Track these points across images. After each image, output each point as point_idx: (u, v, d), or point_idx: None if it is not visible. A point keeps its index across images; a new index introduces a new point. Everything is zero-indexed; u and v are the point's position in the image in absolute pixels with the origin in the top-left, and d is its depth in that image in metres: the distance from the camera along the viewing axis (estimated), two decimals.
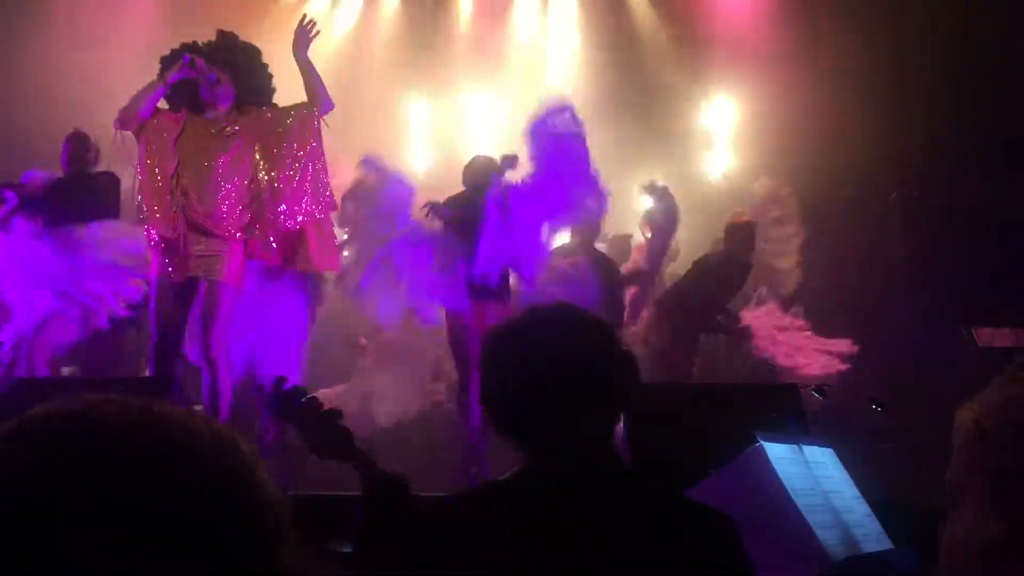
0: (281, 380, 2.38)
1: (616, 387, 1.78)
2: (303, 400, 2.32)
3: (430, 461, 5.16)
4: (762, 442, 2.89)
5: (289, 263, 4.93)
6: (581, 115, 5.51)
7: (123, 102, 4.82)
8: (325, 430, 2.28)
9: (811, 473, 2.95)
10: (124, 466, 0.79)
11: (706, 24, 9.66)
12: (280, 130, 4.92)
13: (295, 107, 4.99)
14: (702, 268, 6.80)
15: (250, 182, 4.83)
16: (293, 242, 4.89)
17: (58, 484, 0.77)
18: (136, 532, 0.76)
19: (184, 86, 4.87)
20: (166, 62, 4.99)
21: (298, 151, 4.90)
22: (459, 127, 9.43)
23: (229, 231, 4.72)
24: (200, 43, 4.99)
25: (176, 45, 5.00)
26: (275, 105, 5.08)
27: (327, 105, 4.96)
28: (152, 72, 4.95)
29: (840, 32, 8.57)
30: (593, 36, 9.96)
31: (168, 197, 4.72)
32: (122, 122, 4.81)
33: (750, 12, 9.48)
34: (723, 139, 9.60)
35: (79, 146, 5.79)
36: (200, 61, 4.81)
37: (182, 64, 4.79)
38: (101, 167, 5.84)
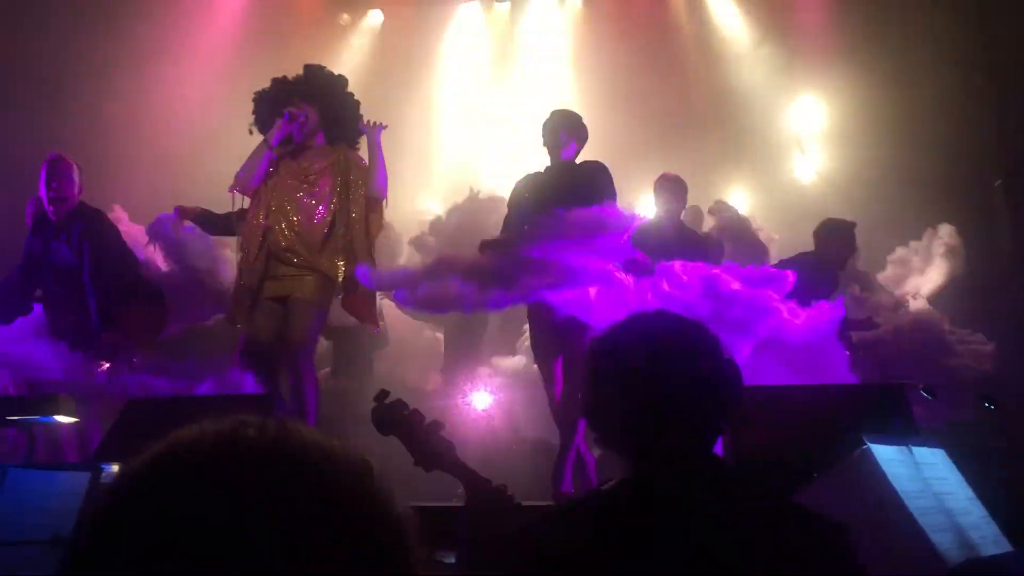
0: (384, 394, 2.43)
1: (721, 394, 1.75)
2: (405, 413, 2.36)
3: (535, 474, 5.15)
4: (869, 444, 2.82)
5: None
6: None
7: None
8: (427, 442, 2.31)
9: (922, 475, 2.87)
10: (268, 486, 0.81)
11: (791, 23, 9.49)
12: (352, 176, 5.03)
13: (364, 175, 5.05)
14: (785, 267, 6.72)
15: (332, 219, 4.96)
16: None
17: (209, 506, 0.80)
18: (281, 549, 0.79)
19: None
20: (261, 101, 5.14)
21: (352, 207, 5.02)
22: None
23: (312, 259, 4.86)
24: (289, 77, 5.12)
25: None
26: (356, 152, 5.18)
27: (382, 192, 5.04)
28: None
29: (933, 21, 8.33)
30: (671, 40, 9.89)
31: (259, 234, 4.90)
32: (241, 189, 5.01)
33: (836, 7, 9.27)
34: (813, 139, 9.41)
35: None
36: (298, 113, 4.93)
37: (282, 124, 4.93)
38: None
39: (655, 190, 6.23)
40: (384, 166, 5.05)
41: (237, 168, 5.02)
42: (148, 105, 8.36)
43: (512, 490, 2.42)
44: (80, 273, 5.09)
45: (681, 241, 5.95)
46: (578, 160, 5.21)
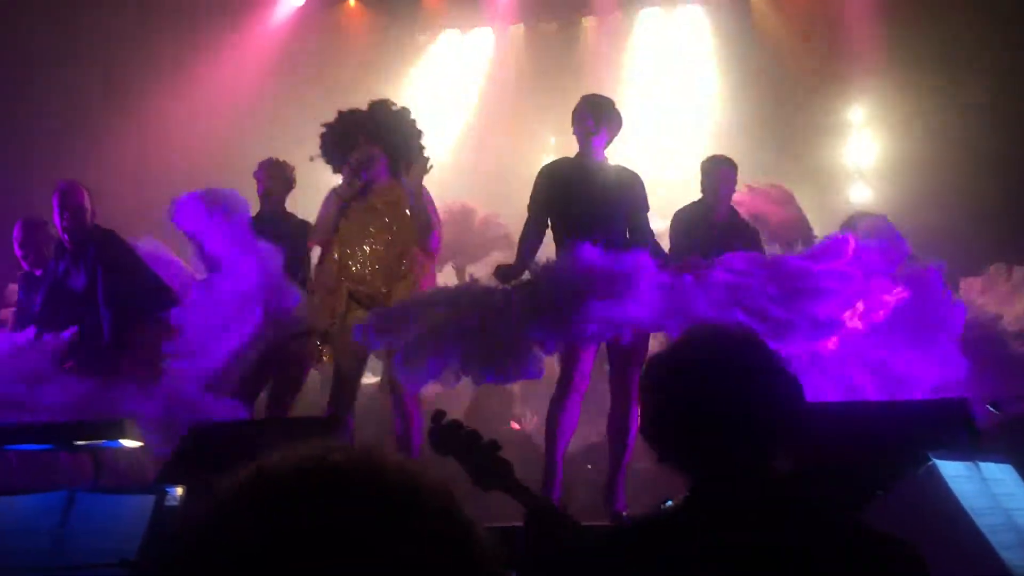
0: (440, 414, 2.45)
1: (781, 410, 1.73)
2: (462, 433, 2.37)
3: (593, 492, 5.12)
4: (935, 460, 2.76)
5: None
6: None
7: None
8: (485, 462, 2.32)
9: (990, 491, 2.81)
10: (356, 511, 0.83)
11: (849, 53, 9.36)
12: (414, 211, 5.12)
13: (422, 221, 5.10)
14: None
15: (402, 250, 5.05)
16: None
17: (299, 530, 0.82)
18: (368, 573, 0.80)
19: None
20: (327, 134, 5.26)
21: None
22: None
23: (392, 292, 4.98)
24: (355, 112, 5.22)
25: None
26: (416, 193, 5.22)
27: (434, 244, 5.11)
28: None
29: (994, 56, 8.15)
30: (727, 68, 9.83)
31: (336, 277, 5.03)
32: (320, 243, 5.19)
33: (894, 32, 9.12)
34: (868, 171, 9.27)
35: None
36: (366, 164, 5.05)
37: (350, 175, 5.05)
38: None
39: (705, 172, 5.74)
40: (434, 218, 5.12)
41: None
42: (195, 134, 8.55)
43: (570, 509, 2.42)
44: (94, 296, 5.14)
45: (733, 228, 5.69)
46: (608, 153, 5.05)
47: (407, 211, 5.06)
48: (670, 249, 5.33)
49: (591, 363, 4.71)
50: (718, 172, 5.71)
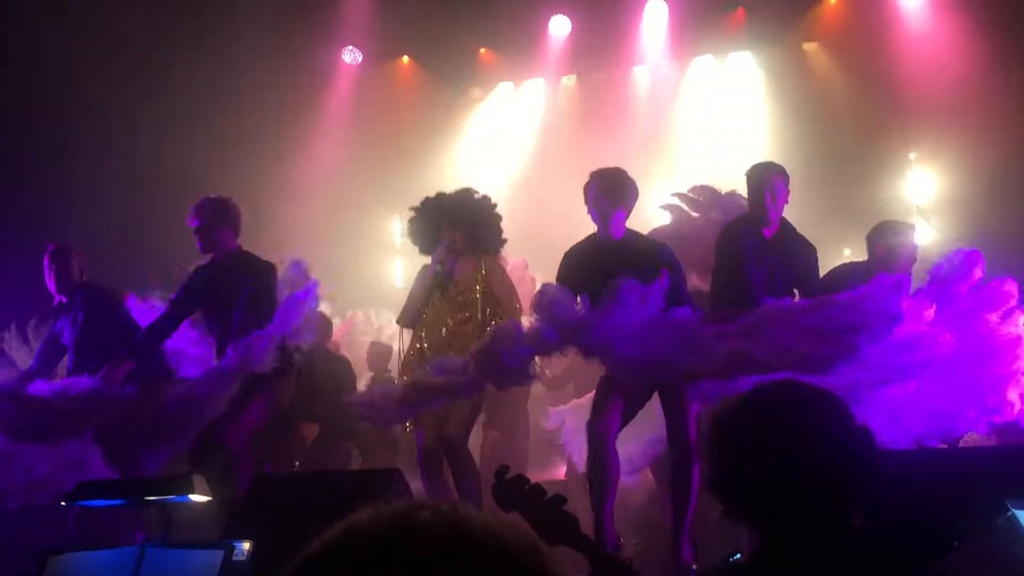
0: (504, 470, 2.45)
1: (853, 464, 1.70)
2: (527, 488, 2.37)
3: (652, 543, 5.06)
4: (1014, 510, 2.69)
5: None
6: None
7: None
8: (551, 517, 2.31)
9: None
10: (447, 568, 0.84)
11: (900, 88, 9.28)
12: (494, 289, 5.25)
13: (504, 307, 5.22)
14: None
15: (481, 322, 5.17)
16: None
17: None
18: None
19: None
20: (413, 220, 5.42)
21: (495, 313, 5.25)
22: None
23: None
24: (440, 199, 5.35)
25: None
26: (496, 260, 5.43)
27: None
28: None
29: None
30: (779, 113, 9.80)
31: (419, 354, 5.21)
32: (410, 324, 5.36)
33: (948, 74, 9.01)
34: (930, 203, 9.12)
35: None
36: (448, 254, 5.23)
37: (441, 275, 5.22)
38: None
39: (751, 182, 5.11)
40: (516, 302, 5.29)
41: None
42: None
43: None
44: (77, 345, 5.42)
45: (786, 243, 5.13)
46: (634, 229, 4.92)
47: (487, 295, 5.21)
48: (718, 268, 5.13)
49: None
50: (768, 180, 5.06)
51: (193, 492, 3.71)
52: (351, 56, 10.36)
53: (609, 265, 4.66)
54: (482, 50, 10.65)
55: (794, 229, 5.23)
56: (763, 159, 5.42)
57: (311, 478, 4.85)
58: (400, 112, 10.54)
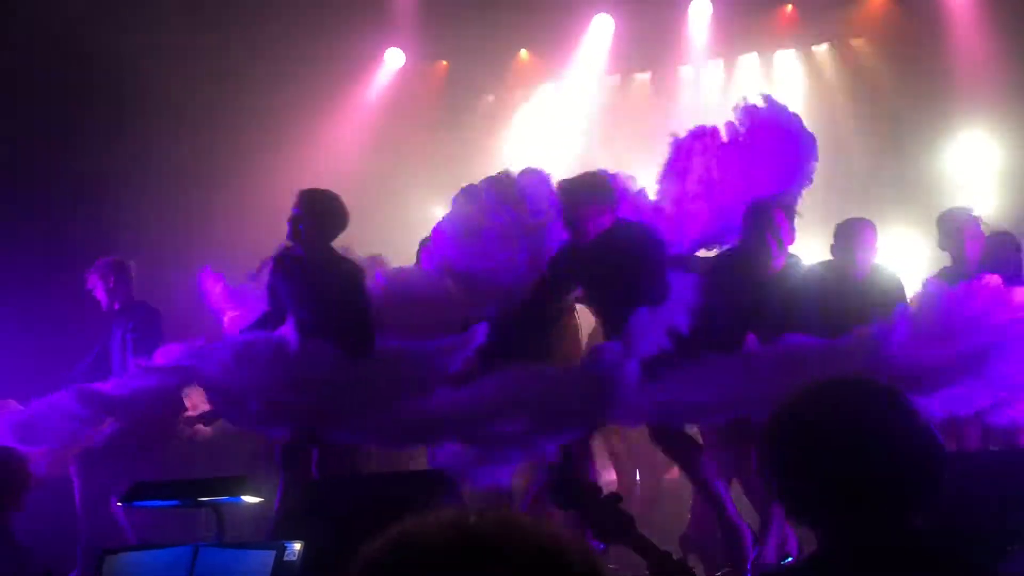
0: (559, 467, 2.46)
1: (919, 464, 1.66)
2: (583, 487, 2.37)
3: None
4: None
5: None
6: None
7: None
8: (606, 515, 2.30)
9: None
10: (500, 569, 0.85)
11: (947, 59, 9.15)
12: None
13: None
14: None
15: None
16: None
17: None
18: None
19: None
20: None
21: None
22: None
23: None
24: None
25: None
26: None
27: None
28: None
29: None
30: (816, 92, 9.69)
31: None
32: None
33: (996, 60, 8.86)
34: (979, 181, 8.95)
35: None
36: None
37: None
38: None
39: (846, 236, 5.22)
40: None
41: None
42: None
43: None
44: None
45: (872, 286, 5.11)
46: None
47: None
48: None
49: None
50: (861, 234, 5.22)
51: (246, 493, 3.75)
52: (394, 57, 10.45)
53: (584, 269, 4.86)
54: (523, 52, 10.66)
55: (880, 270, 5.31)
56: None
57: (362, 480, 4.88)
58: (441, 112, 10.59)
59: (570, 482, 2.40)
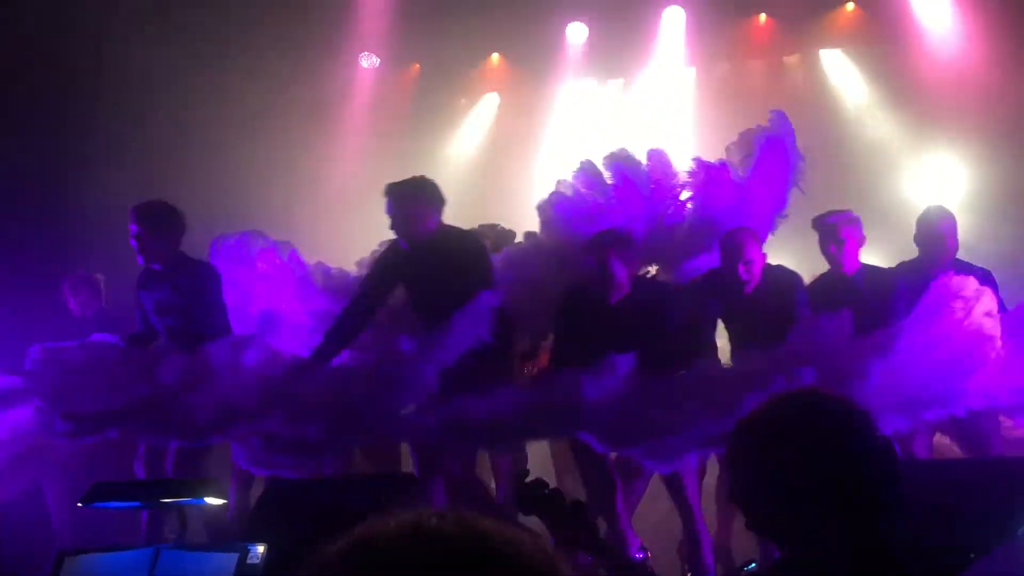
0: (524, 473, 2.44)
1: (875, 475, 1.69)
2: (545, 492, 2.36)
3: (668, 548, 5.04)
4: None
5: None
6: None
7: None
8: (570, 523, 2.29)
9: None
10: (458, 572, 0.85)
11: (919, 91, 9.23)
12: None
13: None
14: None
15: None
16: None
17: None
18: None
19: None
20: None
21: None
22: None
23: None
24: None
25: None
26: None
27: None
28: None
29: None
30: (789, 107, 9.74)
31: None
32: None
33: (967, 75, 8.95)
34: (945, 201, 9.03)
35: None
36: None
37: None
38: None
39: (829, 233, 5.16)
40: None
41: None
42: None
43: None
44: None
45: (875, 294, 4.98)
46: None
47: None
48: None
49: None
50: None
51: (209, 495, 3.72)
52: (368, 61, 10.42)
53: (414, 274, 4.99)
54: (494, 56, 10.68)
55: (876, 271, 5.28)
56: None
57: (327, 483, 4.85)
58: (413, 117, 10.59)
59: (531, 486, 2.39)
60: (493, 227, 6.07)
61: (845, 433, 1.69)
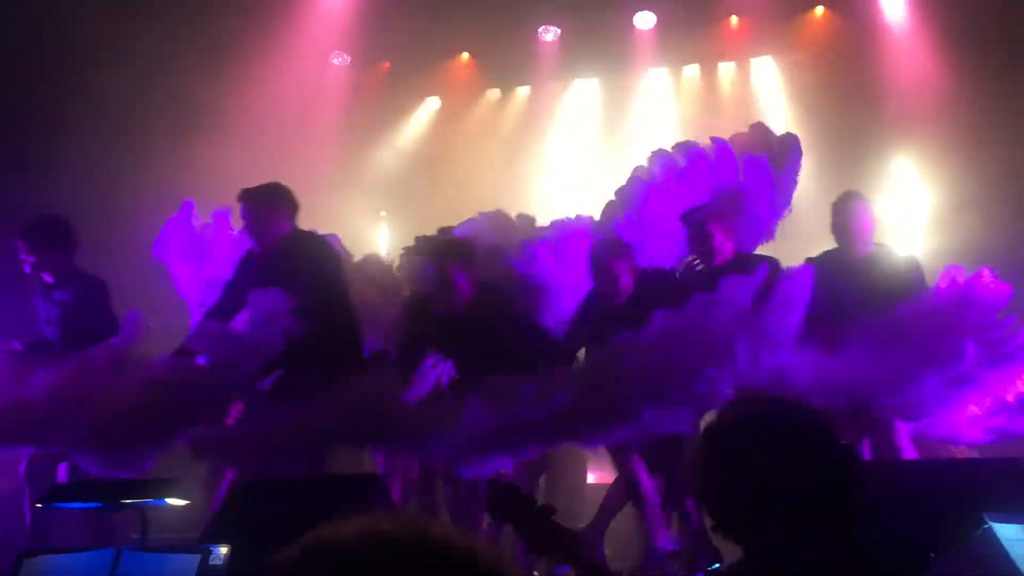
0: (497, 478, 2.44)
1: (837, 481, 1.73)
2: (517, 497, 2.34)
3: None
4: (991, 523, 2.69)
5: None
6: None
7: None
8: (540, 527, 2.28)
9: None
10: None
11: (882, 101, 9.33)
12: None
13: None
14: None
15: None
16: None
17: None
18: None
19: None
20: None
21: None
22: None
23: None
24: None
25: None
26: None
27: None
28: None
29: None
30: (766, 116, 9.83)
31: None
32: None
33: (929, 87, 9.05)
34: (913, 222, 9.12)
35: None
36: None
37: None
38: None
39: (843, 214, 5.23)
40: None
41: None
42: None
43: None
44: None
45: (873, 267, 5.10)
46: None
47: None
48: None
49: None
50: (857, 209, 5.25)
51: (171, 496, 3.68)
52: (339, 59, 10.39)
53: None
54: (463, 55, 10.68)
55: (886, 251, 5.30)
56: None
57: (292, 483, 4.82)
58: (383, 114, 10.57)
59: (504, 491, 2.37)
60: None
61: (813, 437, 1.74)
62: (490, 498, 2.42)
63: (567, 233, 5.55)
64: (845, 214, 5.23)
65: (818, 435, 1.75)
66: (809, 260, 4.94)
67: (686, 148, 5.59)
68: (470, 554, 0.86)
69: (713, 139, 5.57)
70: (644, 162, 5.65)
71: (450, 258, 4.76)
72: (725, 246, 4.89)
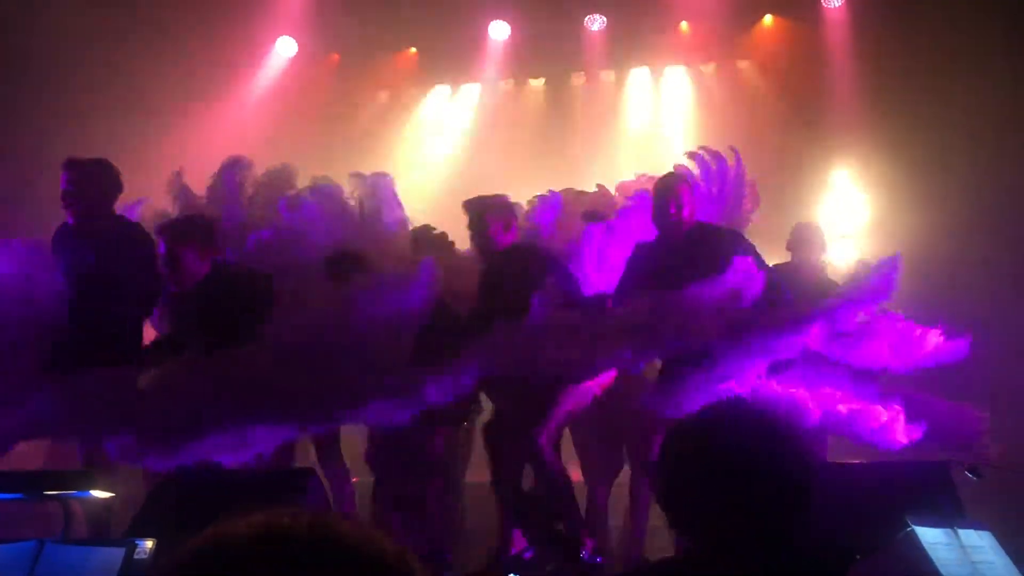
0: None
1: (796, 485, 1.77)
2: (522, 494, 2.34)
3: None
4: (914, 526, 2.75)
5: None
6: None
7: None
8: (532, 513, 2.29)
9: (969, 559, 2.79)
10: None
11: (826, 109, 9.50)
12: None
13: None
14: None
15: None
16: None
17: None
18: None
19: None
20: None
21: None
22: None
23: None
24: None
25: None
26: None
27: None
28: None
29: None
30: (712, 129, 9.94)
31: None
32: None
33: (873, 96, 9.23)
34: (853, 231, 9.27)
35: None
36: None
37: None
38: None
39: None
40: None
41: None
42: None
43: None
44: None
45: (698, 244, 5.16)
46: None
47: None
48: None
49: None
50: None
51: (94, 487, 3.60)
52: (285, 47, 10.30)
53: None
54: (412, 50, 10.64)
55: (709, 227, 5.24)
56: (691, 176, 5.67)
57: (223, 476, 4.75)
58: (332, 105, 10.49)
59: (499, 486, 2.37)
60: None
61: (767, 443, 1.78)
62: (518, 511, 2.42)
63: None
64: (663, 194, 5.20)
65: (782, 438, 1.79)
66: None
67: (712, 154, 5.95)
68: (374, 550, 0.86)
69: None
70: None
71: (179, 238, 4.69)
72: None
